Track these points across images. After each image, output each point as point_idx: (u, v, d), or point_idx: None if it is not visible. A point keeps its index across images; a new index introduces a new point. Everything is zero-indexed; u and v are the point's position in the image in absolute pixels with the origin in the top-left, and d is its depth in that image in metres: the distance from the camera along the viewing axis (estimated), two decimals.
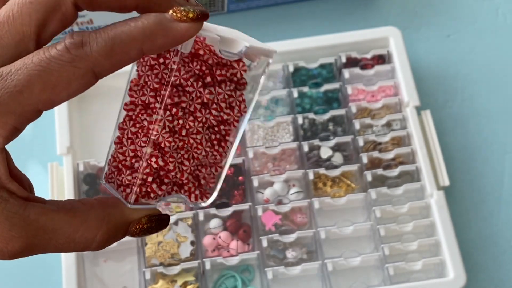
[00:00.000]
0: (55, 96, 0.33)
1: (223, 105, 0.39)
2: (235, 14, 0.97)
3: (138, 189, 0.38)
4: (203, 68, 0.38)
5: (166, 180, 0.39)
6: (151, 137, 0.37)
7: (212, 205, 0.82)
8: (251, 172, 0.84)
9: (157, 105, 0.37)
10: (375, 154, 0.84)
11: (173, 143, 0.38)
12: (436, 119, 0.87)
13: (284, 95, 0.88)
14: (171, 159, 0.38)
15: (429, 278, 0.79)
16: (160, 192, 0.39)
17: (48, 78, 0.33)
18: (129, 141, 0.38)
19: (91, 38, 0.33)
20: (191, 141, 0.39)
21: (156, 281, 0.79)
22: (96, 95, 0.89)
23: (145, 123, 0.38)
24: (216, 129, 0.40)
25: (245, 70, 0.40)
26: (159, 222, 0.39)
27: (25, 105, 0.33)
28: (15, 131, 0.34)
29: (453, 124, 0.90)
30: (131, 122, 0.38)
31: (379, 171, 0.83)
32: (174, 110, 0.37)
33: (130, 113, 0.39)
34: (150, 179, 0.38)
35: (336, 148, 0.85)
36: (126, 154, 0.39)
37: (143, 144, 0.38)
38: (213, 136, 0.40)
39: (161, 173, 0.38)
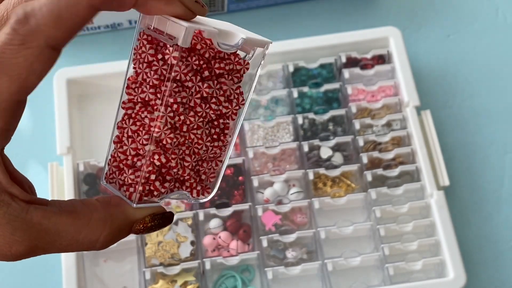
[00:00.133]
0: (26, 83, 0.32)
1: (222, 98, 0.39)
2: (235, 14, 0.97)
3: (141, 188, 0.38)
4: (201, 62, 0.37)
5: (168, 177, 0.38)
6: (153, 134, 0.37)
7: (212, 205, 0.82)
8: (251, 172, 0.84)
9: (158, 101, 0.37)
10: (375, 154, 0.84)
11: (174, 140, 0.38)
12: (436, 119, 0.87)
13: (284, 95, 0.88)
14: (173, 156, 0.38)
15: (429, 278, 0.79)
16: (163, 190, 0.38)
17: (10, 69, 0.32)
18: (130, 139, 0.38)
19: (34, 7, 0.32)
20: (192, 136, 0.39)
21: (156, 281, 0.79)
22: (96, 95, 0.89)
23: (146, 120, 0.37)
24: (216, 123, 0.40)
25: (247, 66, 0.40)
26: (163, 219, 0.39)
27: (1, 102, 0.32)
28: (5, 132, 0.33)
29: (453, 124, 0.90)
30: (131, 120, 0.38)
31: (379, 171, 0.83)
32: (175, 106, 0.37)
33: (129, 111, 0.38)
34: (153, 177, 0.38)
35: (336, 148, 0.85)
36: (128, 153, 0.38)
37: (145, 142, 0.37)
38: (212, 131, 0.40)
39: (163, 170, 0.38)
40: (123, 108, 0.39)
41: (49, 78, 0.87)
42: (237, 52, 0.39)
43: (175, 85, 0.37)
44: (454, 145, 0.89)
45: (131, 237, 0.80)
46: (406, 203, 0.82)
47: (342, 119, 0.87)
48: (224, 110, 0.40)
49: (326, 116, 0.87)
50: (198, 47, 0.37)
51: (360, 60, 0.89)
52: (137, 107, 0.38)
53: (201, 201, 0.41)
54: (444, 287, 0.77)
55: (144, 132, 0.37)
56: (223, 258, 0.80)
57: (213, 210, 0.81)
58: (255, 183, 0.83)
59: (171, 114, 0.37)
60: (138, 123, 0.38)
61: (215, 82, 0.38)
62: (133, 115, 0.38)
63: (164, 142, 0.37)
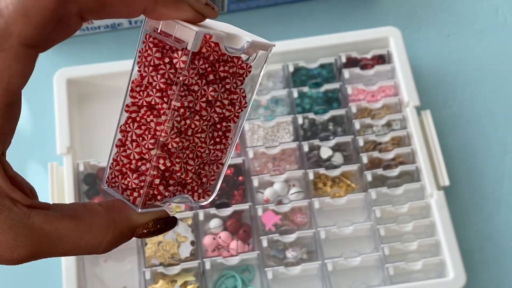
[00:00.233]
0: (10, 86, 0.32)
1: (226, 102, 0.39)
2: (235, 14, 0.97)
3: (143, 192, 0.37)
4: (206, 65, 0.37)
5: (171, 181, 0.38)
6: (160, 138, 0.36)
7: (212, 205, 0.82)
8: (251, 172, 0.84)
9: (165, 105, 0.36)
10: (375, 154, 0.84)
11: (180, 144, 0.37)
12: (436, 119, 0.87)
13: (284, 95, 0.88)
14: (177, 160, 0.37)
15: (429, 278, 0.79)
16: (166, 194, 0.38)
17: None
18: (134, 143, 0.37)
19: (1, 7, 0.31)
20: (196, 140, 0.38)
21: (156, 281, 0.79)
22: (96, 95, 0.89)
23: (152, 124, 0.37)
24: (218, 126, 0.39)
25: (249, 69, 0.40)
26: (166, 224, 0.39)
27: None
28: (0, 136, 0.33)
29: (453, 124, 0.90)
30: (135, 124, 0.37)
31: (379, 171, 0.83)
32: (181, 110, 0.36)
33: (133, 115, 0.37)
34: (157, 181, 0.37)
35: (336, 148, 0.85)
36: (131, 157, 0.37)
37: (151, 147, 0.37)
38: (215, 134, 0.40)
39: (166, 174, 0.38)
40: (126, 111, 0.38)
41: (49, 78, 0.88)
42: (237, 54, 0.39)
43: (181, 89, 0.36)
44: (454, 145, 0.89)
45: None
46: (406, 203, 0.82)
47: (342, 119, 0.87)
48: (227, 113, 0.39)
49: (326, 116, 0.87)
50: (204, 50, 0.36)
51: (360, 60, 0.89)
52: (142, 111, 0.37)
53: (202, 204, 0.41)
54: (444, 287, 0.77)
55: (150, 136, 0.37)
56: (223, 258, 0.80)
57: (213, 210, 0.81)
58: (255, 183, 0.83)
59: (178, 119, 0.36)
60: (143, 127, 0.37)
61: (220, 85, 0.38)
62: (137, 118, 0.37)
63: (169, 146, 0.37)
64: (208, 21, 0.38)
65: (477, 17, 0.98)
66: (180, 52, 0.36)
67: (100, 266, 0.82)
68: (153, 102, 0.37)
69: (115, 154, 0.38)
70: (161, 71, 0.36)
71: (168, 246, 0.80)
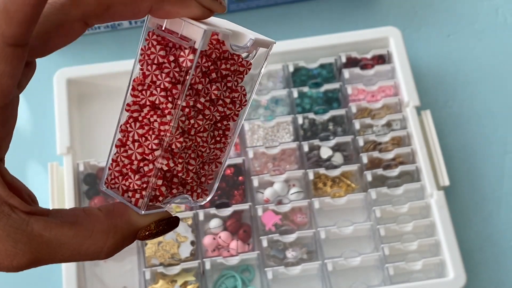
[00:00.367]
0: (1, 88, 0.31)
1: (227, 100, 0.38)
2: (235, 14, 0.97)
3: (145, 193, 0.36)
4: (209, 64, 0.36)
5: (174, 182, 0.37)
6: (165, 139, 0.35)
7: (212, 205, 0.82)
8: (251, 172, 0.84)
9: (169, 105, 0.35)
10: (375, 154, 0.84)
11: (184, 144, 0.36)
12: (436, 119, 0.87)
13: (284, 95, 0.88)
14: (180, 160, 0.37)
15: (429, 278, 0.79)
16: (169, 195, 0.37)
17: None
18: (136, 143, 0.36)
19: None
20: (198, 139, 0.37)
21: (156, 281, 0.79)
22: (96, 95, 0.89)
23: (156, 124, 0.36)
24: (219, 124, 0.39)
25: (249, 67, 0.39)
26: (168, 225, 0.38)
27: None
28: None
29: (453, 124, 0.90)
30: (137, 124, 0.36)
31: (379, 171, 0.83)
32: (187, 110, 0.36)
33: (135, 114, 0.36)
34: (159, 182, 0.36)
35: (336, 148, 0.85)
36: (133, 158, 0.36)
37: (155, 147, 0.36)
38: (216, 133, 0.39)
39: (167, 174, 0.37)
40: (127, 110, 0.36)
41: (49, 78, 0.88)
42: (237, 52, 0.38)
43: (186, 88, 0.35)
44: (454, 145, 0.89)
45: None
46: (406, 203, 0.82)
47: (342, 119, 0.87)
48: (228, 112, 0.38)
49: (326, 116, 0.87)
50: (206, 47, 0.36)
51: (360, 60, 0.89)
52: (145, 110, 0.36)
53: (201, 203, 0.40)
54: (444, 287, 0.77)
55: (154, 136, 0.36)
56: (223, 258, 0.80)
57: (213, 210, 0.81)
58: (255, 183, 0.83)
59: (183, 118, 0.36)
60: (146, 127, 0.36)
61: (222, 83, 0.37)
62: (140, 118, 0.36)
63: (173, 146, 0.36)
64: (212, 20, 0.38)
65: (477, 17, 0.98)
66: (187, 51, 0.35)
67: (100, 266, 0.82)
68: (157, 102, 0.35)
69: (115, 154, 0.37)
70: (165, 70, 0.35)
71: (168, 246, 0.80)
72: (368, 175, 0.83)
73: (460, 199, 0.86)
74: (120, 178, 0.37)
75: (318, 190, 0.84)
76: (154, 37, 0.36)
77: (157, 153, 0.36)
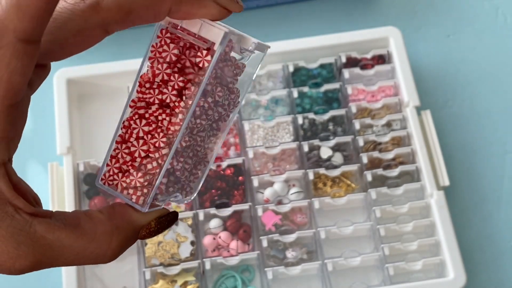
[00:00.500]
0: (11, 85, 0.31)
1: (226, 102, 0.38)
2: (234, 14, 0.97)
3: (146, 191, 0.36)
4: (221, 65, 0.36)
5: (172, 180, 0.38)
6: (175, 138, 0.35)
7: (212, 205, 0.82)
8: (251, 172, 0.84)
9: (182, 104, 0.35)
10: (375, 154, 0.84)
11: (188, 143, 0.37)
12: (436, 119, 0.87)
13: (284, 95, 0.88)
14: (181, 159, 0.37)
15: (429, 278, 0.79)
16: (167, 192, 0.37)
17: None
18: (141, 140, 0.36)
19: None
20: (198, 138, 0.37)
21: (156, 281, 0.79)
22: (96, 95, 0.89)
23: (165, 123, 0.35)
24: (214, 125, 0.39)
25: (243, 69, 0.39)
26: (168, 221, 0.38)
27: None
28: (5, 140, 0.32)
29: (453, 124, 0.90)
30: (143, 121, 0.36)
31: (379, 171, 0.83)
32: (197, 110, 0.35)
33: (141, 111, 0.36)
34: (165, 180, 0.36)
35: (336, 148, 0.85)
36: (136, 155, 0.36)
37: (162, 145, 0.35)
38: (210, 132, 0.39)
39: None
40: (131, 107, 0.36)
41: (49, 78, 0.87)
42: (232, 54, 0.38)
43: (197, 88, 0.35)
44: (454, 145, 0.89)
45: None
46: (406, 203, 0.82)
47: (342, 119, 0.87)
48: (222, 112, 0.38)
49: (326, 116, 0.87)
50: (225, 49, 0.36)
51: (360, 60, 0.89)
52: (154, 108, 0.36)
53: (187, 201, 0.40)
54: (444, 287, 0.77)
55: (162, 134, 0.35)
56: (223, 258, 0.80)
57: (213, 210, 0.81)
58: (255, 183, 0.83)
59: (192, 119, 0.35)
60: (153, 125, 0.36)
61: (224, 85, 0.37)
62: (146, 115, 0.36)
63: (178, 145, 0.36)
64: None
65: (477, 17, 0.98)
66: (204, 52, 0.35)
67: (100, 266, 0.82)
68: (168, 100, 0.35)
69: (115, 151, 0.37)
70: (180, 69, 0.35)
71: (168, 246, 0.80)
72: (368, 175, 0.83)
73: (460, 199, 0.86)
74: (120, 175, 0.37)
75: (318, 190, 0.84)
76: (168, 35, 0.35)
77: (164, 151, 0.35)
